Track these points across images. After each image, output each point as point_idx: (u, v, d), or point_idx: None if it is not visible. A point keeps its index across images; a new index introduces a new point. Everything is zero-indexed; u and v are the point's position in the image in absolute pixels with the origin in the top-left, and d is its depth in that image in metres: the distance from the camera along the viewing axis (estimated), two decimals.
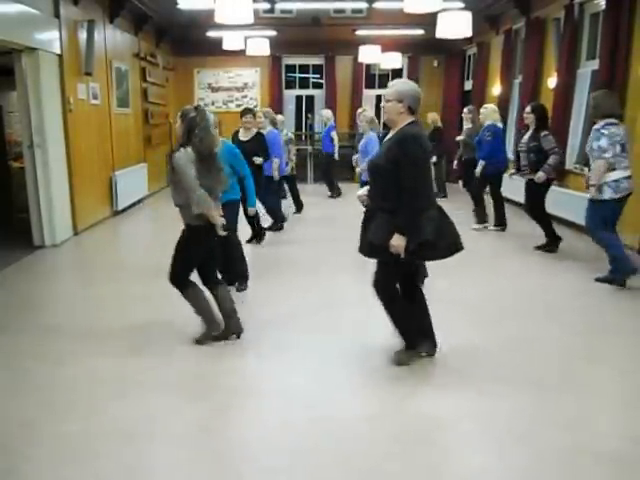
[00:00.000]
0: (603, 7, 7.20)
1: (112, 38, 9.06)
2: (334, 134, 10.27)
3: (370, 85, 13.79)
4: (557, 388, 3.38)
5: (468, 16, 6.79)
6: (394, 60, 11.46)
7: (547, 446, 2.78)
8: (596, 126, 5.14)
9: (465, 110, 8.85)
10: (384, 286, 3.55)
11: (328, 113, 10.58)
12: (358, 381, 3.52)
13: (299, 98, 14.07)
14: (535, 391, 3.33)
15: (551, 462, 2.66)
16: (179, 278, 3.91)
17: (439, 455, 2.75)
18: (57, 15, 7.09)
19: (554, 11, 8.31)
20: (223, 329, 4.04)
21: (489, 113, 7.53)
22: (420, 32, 11.43)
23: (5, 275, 5.79)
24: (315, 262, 6.22)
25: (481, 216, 7.91)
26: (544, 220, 6.57)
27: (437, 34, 7.06)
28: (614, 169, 5.04)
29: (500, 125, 7.60)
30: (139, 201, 10.14)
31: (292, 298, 5.02)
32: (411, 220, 3.28)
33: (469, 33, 6.94)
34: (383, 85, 12.75)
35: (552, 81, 8.28)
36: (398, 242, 3.30)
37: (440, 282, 5.17)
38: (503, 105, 9.98)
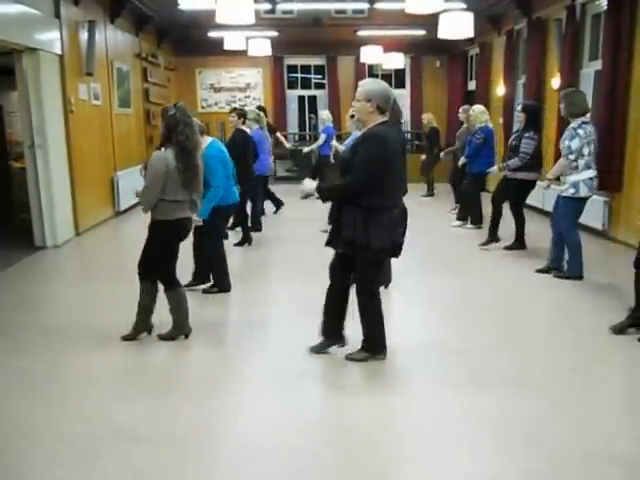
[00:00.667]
0: (605, 8, 7.17)
1: (113, 38, 9.06)
2: (323, 135, 10.19)
3: None
4: (567, 389, 3.36)
5: (470, 17, 6.79)
6: (396, 60, 11.46)
7: (560, 448, 2.73)
8: (572, 124, 5.10)
9: (460, 110, 8.85)
10: (365, 284, 3.55)
11: (323, 114, 10.44)
12: (359, 382, 3.51)
13: (301, 98, 14.07)
14: (546, 392, 3.30)
15: (564, 465, 2.62)
16: (164, 275, 3.97)
17: (447, 458, 2.70)
18: (57, 15, 7.09)
19: (556, 12, 8.28)
20: (172, 329, 4.02)
21: (477, 115, 7.47)
22: (422, 32, 11.41)
23: (6, 276, 5.78)
24: (310, 262, 6.16)
25: (462, 214, 7.99)
26: (497, 216, 6.63)
27: (439, 35, 7.05)
28: (589, 167, 5.05)
29: (491, 126, 7.53)
30: (141, 202, 10.09)
31: (285, 298, 5.02)
32: (334, 192, 3.57)
33: (471, 34, 6.94)
34: None
35: (555, 81, 8.24)
36: (309, 185, 3.58)
37: (443, 281, 5.15)
38: (508, 105, 9.98)
